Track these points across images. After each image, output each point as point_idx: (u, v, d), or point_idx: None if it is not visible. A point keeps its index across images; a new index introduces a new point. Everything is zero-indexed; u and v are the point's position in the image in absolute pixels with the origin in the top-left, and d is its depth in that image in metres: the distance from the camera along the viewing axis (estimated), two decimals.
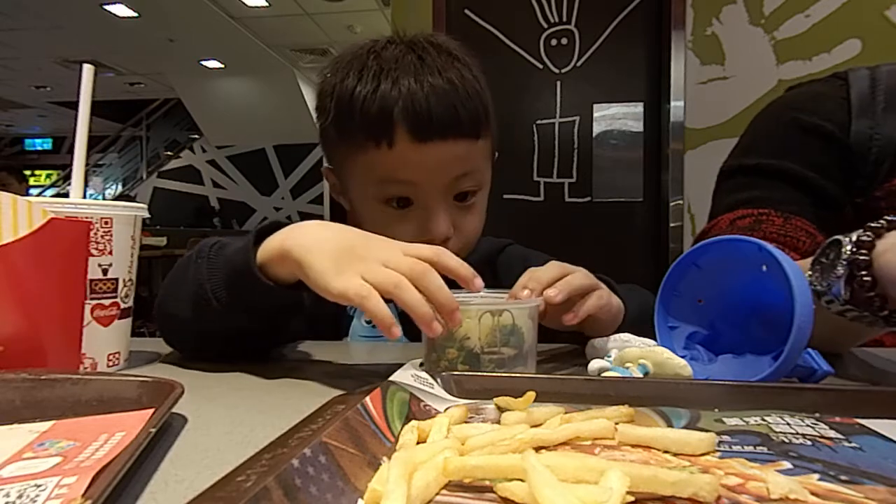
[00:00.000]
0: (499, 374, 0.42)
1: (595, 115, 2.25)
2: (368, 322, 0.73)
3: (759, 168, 0.76)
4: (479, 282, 0.45)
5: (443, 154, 0.63)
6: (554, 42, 2.27)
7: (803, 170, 0.71)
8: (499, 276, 0.78)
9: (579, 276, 0.55)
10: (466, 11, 2.29)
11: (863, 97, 0.71)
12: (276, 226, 0.50)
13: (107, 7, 5.43)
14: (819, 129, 0.72)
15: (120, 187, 9.58)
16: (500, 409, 0.35)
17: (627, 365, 0.43)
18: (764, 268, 0.44)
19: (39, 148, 11.45)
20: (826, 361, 0.44)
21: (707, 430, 0.28)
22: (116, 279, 0.51)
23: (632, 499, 0.22)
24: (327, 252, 0.44)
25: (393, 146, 0.62)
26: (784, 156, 0.74)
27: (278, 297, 0.49)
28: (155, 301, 0.57)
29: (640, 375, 0.42)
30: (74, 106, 0.51)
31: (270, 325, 0.56)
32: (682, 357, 0.49)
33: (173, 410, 0.34)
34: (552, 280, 0.53)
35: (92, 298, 0.50)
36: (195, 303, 0.52)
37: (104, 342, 0.51)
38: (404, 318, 0.43)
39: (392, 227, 0.65)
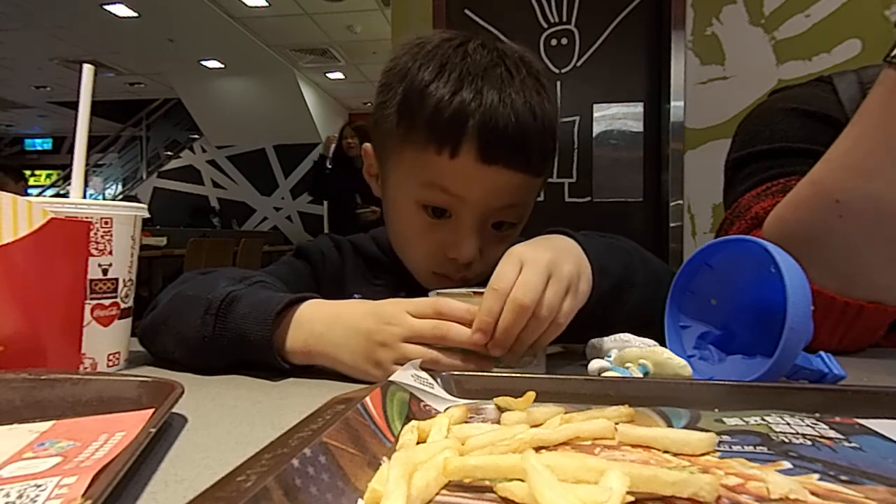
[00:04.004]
0: (499, 374, 0.42)
1: (595, 115, 2.25)
2: None
3: (773, 151, 0.73)
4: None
5: (501, 181, 0.60)
6: (554, 42, 2.27)
7: (818, 148, 0.67)
8: None
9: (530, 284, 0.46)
10: (466, 11, 2.29)
11: (854, 101, 0.70)
12: (286, 303, 0.50)
13: (107, 7, 5.44)
14: (824, 116, 0.71)
15: (120, 187, 9.58)
16: (500, 409, 0.35)
17: (627, 365, 0.43)
18: (773, 269, 0.44)
19: (39, 148, 11.45)
20: (839, 365, 0.44)
21: (707, 430, 0.28)
22: (116, 279, 0.51)
23: (632, 499, 0.22)
24: (353, 347, 0.47)
25: (455, 157, 0.59)
26: (797, 140, 0.72)
27: (286, 370, 0.50)
28: (142, 324, 0.57)
29: (640, 375, 0.42)
30: (74, 106, 0.51)
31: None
32: (693, 356, 0.49)
33: (173, 410, 0.34)
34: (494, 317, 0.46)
35: (92, 298, 0.49)
36: (190, 348, 0.52)
37: (104, 342, 0.51)
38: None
39: (420, 234, 0.64)
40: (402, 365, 0.44)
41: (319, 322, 0.49)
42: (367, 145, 0.72)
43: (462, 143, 0.58)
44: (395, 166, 0.65)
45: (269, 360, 0.49)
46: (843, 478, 0.24)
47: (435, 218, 0.63)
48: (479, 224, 0.62)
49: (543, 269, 0.46)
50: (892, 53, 0.52)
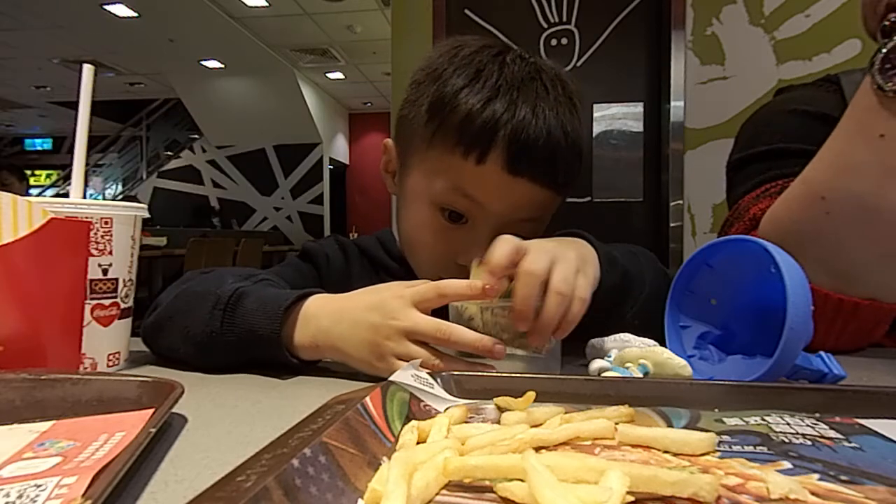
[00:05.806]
0: (499, 375, 0.42)
1: (595, 115, 2.25)
2: None
3: (772, 152, 0.74)
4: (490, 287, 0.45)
5: (524, 194, 0.60)
6: (554, 42, 2.27)
7: (817, 149, 0.66)
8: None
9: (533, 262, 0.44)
10: (466, 11, 2.29)
11: None
12: (294, 298, 0.50)
13: (107, 7, 5.44)
14: (826, 117, 0.71)
15: (120, 187, 9.58)
16: (500, 409, 0.35)
17: (627, 365, 0.43)
18: (773, 269, 0.44)
19: (39, 148, 11.45)
20: (839, 365, 0.44)
21: (707, 430, 0.28)
22: (116, 279, 0.51)
23: (632, 499, 0.22)
24: (359, 341, 0.48)
25: (481, 164, 0.59)
26: (795, 140, 0.72)
27: (294, 365, 0.50)
28: (145, 323, 0.57)
29: (640, 375, 0.42)
30: (74, 106, 0.51)
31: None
32: (692, 356, 0.49)
33: (173, 410, 0.34)
34: (505, 262, 0.45)
35: (92, 298, 0.49)
36: (196, 344, 0.51)
37: (104, 342, 0.51)
38: None
39: (433, 237, 0.64)
40: (406, 359, 0.45)
41: (325, 317, 0.50)
42: (388, 140, 0.72)
43: (490, 152, 0.58)
44: (418, 165, 0.65)
45: (277, 356, 0.49)
46: (843, 478, 0.24)
47: (451, 223, 0.63)
48: (495, 234, 0.61)
49: (546, 255, 0.45)
50: (874, 58, 0.53)
